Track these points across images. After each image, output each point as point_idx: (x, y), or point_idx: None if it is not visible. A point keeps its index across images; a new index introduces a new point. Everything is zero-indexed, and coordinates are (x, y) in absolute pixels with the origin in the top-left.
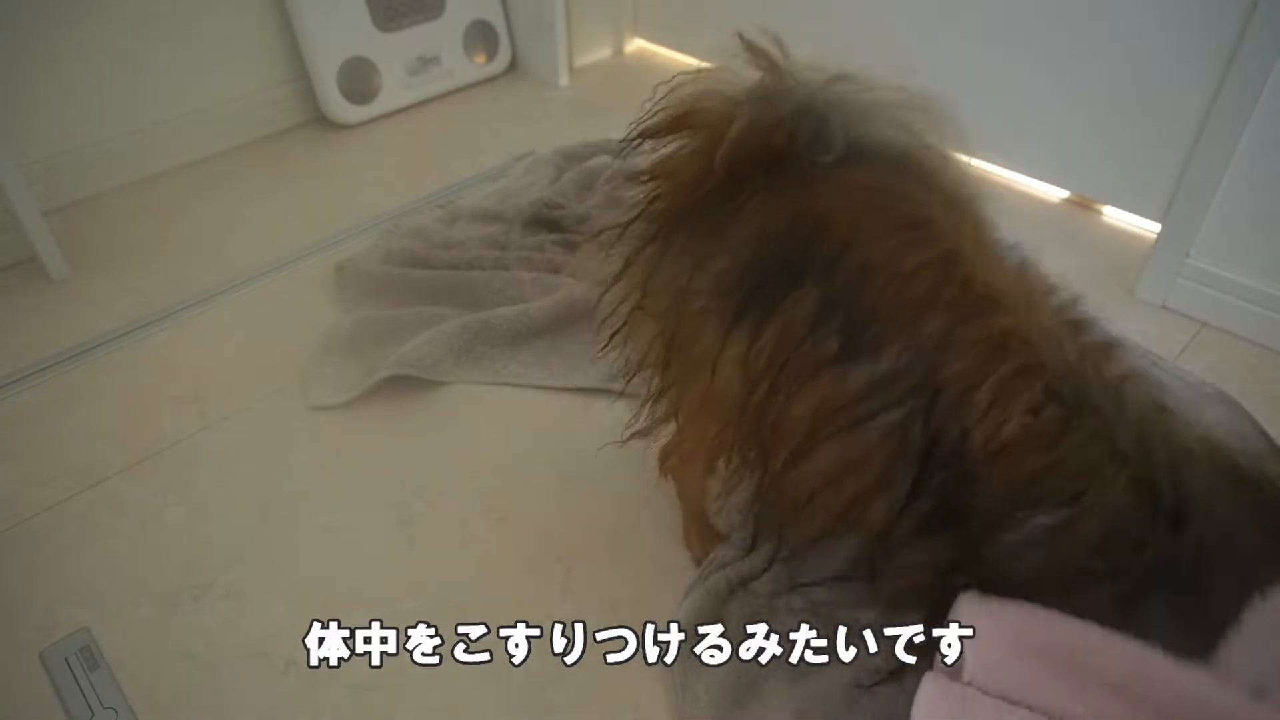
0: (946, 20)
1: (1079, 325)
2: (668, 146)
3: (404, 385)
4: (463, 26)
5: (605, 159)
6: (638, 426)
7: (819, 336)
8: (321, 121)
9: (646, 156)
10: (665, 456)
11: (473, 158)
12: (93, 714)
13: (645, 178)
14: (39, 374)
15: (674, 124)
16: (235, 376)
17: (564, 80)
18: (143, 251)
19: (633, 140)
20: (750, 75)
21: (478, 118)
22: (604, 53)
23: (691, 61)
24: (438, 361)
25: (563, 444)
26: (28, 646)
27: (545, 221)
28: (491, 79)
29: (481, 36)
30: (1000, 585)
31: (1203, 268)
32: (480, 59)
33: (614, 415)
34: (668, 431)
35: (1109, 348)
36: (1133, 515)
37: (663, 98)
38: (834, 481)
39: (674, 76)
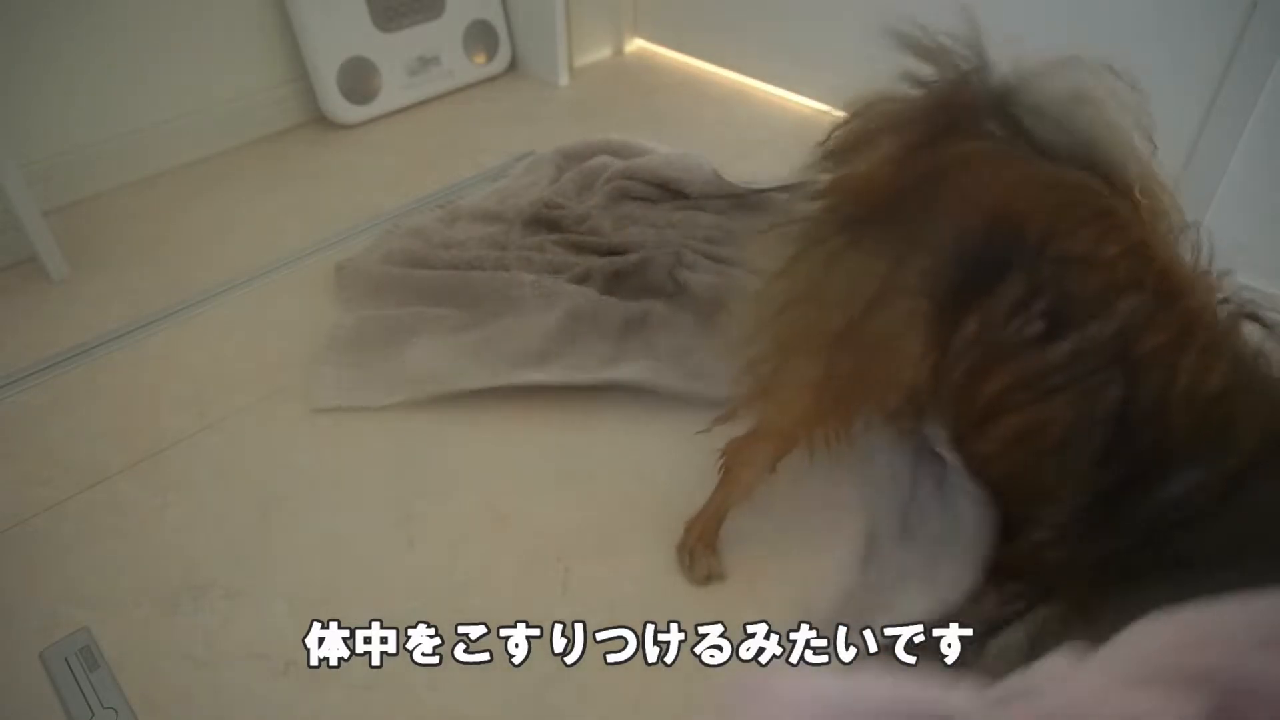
0: (941, 18)
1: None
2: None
3: None
4: (463, 26)
5: (605, 159)
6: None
7: (1023, 321)
8: (321, 121)
9: (824, 172)
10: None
11: (473, 158)
12: (93, 714)
13: (825, 189)
14: (39, 374)
15: (860, 140)
16: (235, 376)
17: (564, 80)
18: (143, 251)
19: (823, 162)
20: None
21: (478, 118)
22: (604, 53)
23: (692, 61)
24: (460, 373)
25: (563, 444)
26: (28, 646)
27: (545, 221)
28: (491, 79)
29: (481, 36)
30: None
31: None
32: (480, 59)
33: (614, 415)
34: (751, 415)
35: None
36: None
37: (845, 120)
38: (1012, 444)
39: (852, 104)
